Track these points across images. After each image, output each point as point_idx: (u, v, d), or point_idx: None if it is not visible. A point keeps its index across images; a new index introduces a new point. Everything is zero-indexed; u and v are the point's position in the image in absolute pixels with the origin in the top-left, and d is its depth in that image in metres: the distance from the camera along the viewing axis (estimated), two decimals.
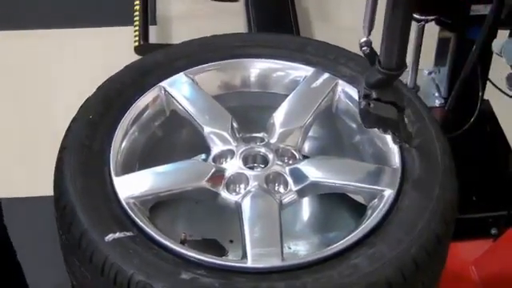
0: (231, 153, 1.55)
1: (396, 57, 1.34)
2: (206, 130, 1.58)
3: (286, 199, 1.49)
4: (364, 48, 1.36)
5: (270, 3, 3.00)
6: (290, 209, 1.54)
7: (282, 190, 1.51)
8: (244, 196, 1.47)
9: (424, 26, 2.09)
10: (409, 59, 1.98)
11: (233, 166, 1.52)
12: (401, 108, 1.41)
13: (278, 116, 1.60)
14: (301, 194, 1.51)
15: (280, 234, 1.41)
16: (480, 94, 2.12)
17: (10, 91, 2.76)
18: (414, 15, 1.98)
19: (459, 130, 2.11)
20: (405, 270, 1.34)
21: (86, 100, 1.59)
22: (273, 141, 1.58)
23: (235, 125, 1.59)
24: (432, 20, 2.05)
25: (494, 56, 2.02)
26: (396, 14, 1.29)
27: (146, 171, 1.51)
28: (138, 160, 1.59)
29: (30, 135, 2.60)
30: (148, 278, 1.30)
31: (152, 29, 2.94)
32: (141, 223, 1.39)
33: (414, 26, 2.05)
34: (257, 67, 1.69)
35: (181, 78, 1.64)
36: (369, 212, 1.46)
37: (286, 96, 1.64)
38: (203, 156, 1.57)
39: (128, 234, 1.37)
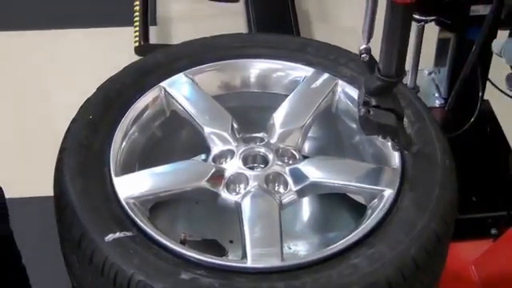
0: (231, 153, 1.55)
1: (395, 64, 1.34)
2: (206, 130, 1.58)
3: (286, 199, 1.49)
4: (363, 55, 1.37)
5: (270, 4, 3.00)
6: (289, 209, 1.54)
7: (281, 190, 1.51)
8: (244, 196, 1.47)
9: (424, 26, 2.09)
10: (409, 60, 1.99)
11: (233, 166, 1.52)
12: (400, 115, 1.41)
13: (278, 116, 1.60)
14: (301, 194, 1.51)
15: (280, 234, 1.41)
16: (480, 94, 2.13)
17: (10, 91, 2.76)
18: (414, 15, 1.98)
19: (459, 130, 2.11)
20: (405, 270, 1.34)
21: (86, 100, 1.59)
22: (273, 141, 1.58)
23: (235, 125, 1.59)
24: (432, 20, 2.05)
25: (494, 56, 2.02)
26: (395, 22, 1.30)
27: (146, 171, 1.51)
28: (138, 160, 1.59)
29: (30, 135, 2.60)
30: (148, 278, 1.30)
31: (152, 29, 2.94)
32: (141, 223, 1.39)
33: (413, 26, 2.05)
34: (257, 67, 1.69)
35: (181, 78, 1.64)
36: (369, 212, 1.46)
37: (286, 96, 1.64)
38: (203, 156, 1.57)
39: (128, 234, 1.37)
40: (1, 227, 1.66)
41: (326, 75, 1.65)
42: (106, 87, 1.61)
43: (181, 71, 1.65)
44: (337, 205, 1.70)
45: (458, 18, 2.02)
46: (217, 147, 1.56)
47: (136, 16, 2.92)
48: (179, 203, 1.69)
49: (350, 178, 1.51)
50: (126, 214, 1.40)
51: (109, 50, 2.88)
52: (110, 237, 1.35)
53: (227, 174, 1.51)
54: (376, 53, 1.37)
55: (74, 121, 1.55)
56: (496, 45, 1.94)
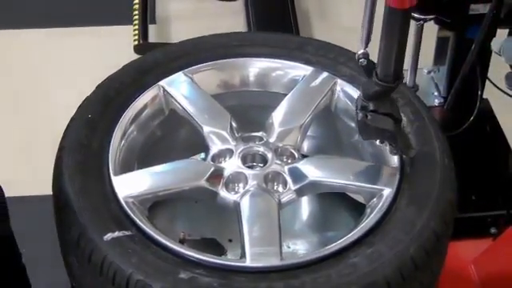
0: (230, 152, 1.55)
1: (393, 69, 1.35)
2: (205, 129, 1.58)
3: (285, 198, 1.49)
4: (361, 60, 1.38)
5: (269, 2, 3.00)
6: (288, 208, 1.53)
7: (280, 189, 1.51)
8: (243, 195, 1.47)
9: (423, 25, 2.09)
10: (408, 58, 1.99)
11: (232, 166, 1.52)
12: (398, 119, 1.42)
13: (277, 115, 1.60)
14: (300, 193, 1.51)
15: (279, 233, 1.41)
16: (479, 92, 2.13)
17: (9, 90, 2.76)
18: (413, 14, 1.98)
19: (458, 128, 2.11)
20: (404, 269, 1.33)
21: (85, 99, 1.59)
22: (272, 140, 1.58)
23: (234, 124, 1.59)
24: (431, 19, 2.05)
25: (493, 55, 2.02)
26: (393, 27, 1.30)
27: (145, 170, 1.51)
28: (137, 159, 1.59)
29: (28, 134, 2.59)
30: (147, 277, 1.30)
31: (151, 28, 2.93)
32: (139, 222, 1.39)
33: (413, 25, 2.05)
34: (256, 66, 1.69)
35: (180, 77, 1.64)
36: (368, 211, 1.46)
37: (285, 95, 1.64)
38: (202, 155, 1.57)
39: (127, 233, 1.37)
40: (1, 226, 1.66)
41: (325, 74, 1.65)
42: (105, 86, 1.61)
43: (180, 70, 1.64)
44: (336, 204, 1.70)
45: (458, 17, 2.02)
46: (216, 146, 1.56)
47: (135, 14, 2.92)
48: (178, 202, 1.69)
49: (349, 177, 1.50)
50: (124, 213, 1.40)
51: (108, 48, 2.88)
52: (108, 236, 1.35)
53: (226, 173, 1.51)
54: (374, 56, 1.37)
55: (72, 119, 1.55)
56: (495, 43, 1.94)
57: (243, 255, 1.37)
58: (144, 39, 2.84)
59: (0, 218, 1.63)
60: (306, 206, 1.75)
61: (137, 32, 2.86)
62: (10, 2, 3.09)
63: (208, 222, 1.68)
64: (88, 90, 1.60)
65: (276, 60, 1.69)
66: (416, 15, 2.02)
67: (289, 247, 1.66)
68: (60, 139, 1.52)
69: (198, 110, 1.60)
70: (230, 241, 1.65)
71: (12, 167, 2.43)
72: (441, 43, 2.23)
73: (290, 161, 1.55)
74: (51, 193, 1.48)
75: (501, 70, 1.99)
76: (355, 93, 1.58)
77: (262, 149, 1.56)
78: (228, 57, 1.68)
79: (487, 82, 2.15)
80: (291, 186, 1.50)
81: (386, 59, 1.34)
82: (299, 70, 1.67)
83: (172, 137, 1.69)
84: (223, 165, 1.53)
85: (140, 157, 1.59)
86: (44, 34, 2.98)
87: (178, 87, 1.63)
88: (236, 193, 1.49)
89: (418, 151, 1.50)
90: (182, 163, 1.55)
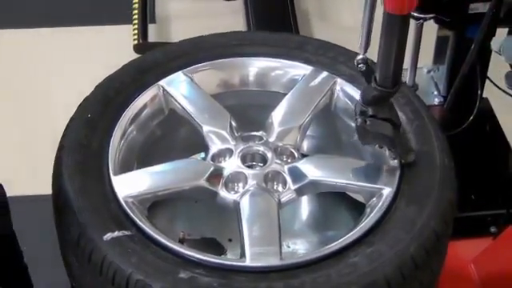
0: (230, 151, 1.55)
1: (392, 74, 1.35)
2: (205, 128, 1.58)
3: (285, 198, 1.49)
4: (360, 65, 1.38)
5: (269, 2, 3.00)
6: (288, 207, 1.53)
7: (280, 188, 1.51)
8: (242, 195, 1.47)
9: (423, 24, 2.09)
10: (408, 57, 1.99)
11: (231, 165, 1.52)
12: (397, 124, 1.42)
13: (277, 115, 1.60)
14: (299, 192, 1.51)
15: (278, 232, 1.41)
16: (479, 92, 2.12)
17: (9, 89, 2.76)
18: (413, 13, 1.98)
19: (458, 128, 2.11)
20: (404, 268, 1.33)
21: (85, 99, 1.58)
22: (271, 139, 1.58)
23: (234, 123, 1.59)
24: (431, 18, 2.05)
25: (493, 54, 2.02)
26: (392, 32, 1.30)
27: (145, 170, 1.51)
28: (137, 159, 1.59)
29: (28, 133, 2.59)
30: (146, 277, 1.30)
31: (151, 27, 2.93)
32: (139, 222, 1.38)
33: (412, 24, 2.05)
34: (255, 66, 1.69)
35: (179, 76, 1.64)
36: (367, 210, 1.46)
37: (285, 95, 1.64)
38: (202, 155, 1.57)
39: (126, 232, 1.36)
40: (2, 225, 1.66)
41: (324, 73, 1.65)
42: (105, 86, 1.61)
43: (179, 70, 1.64)
44: (336, 203, 1.70)
45: (457, 16, 2.02)
46: (215, 146, 1.56)
47: (135, 14, 2.92)
48: (178, 202, 1.69)
49: (348, 177, 1.50)
50: (124, 212, 1.40)
51: (107, 48, 2.88)
52: (108, 236, 1.35)
53: (226, 172, 1.51)
54: (374, 59, 1.37)
55: (72, 119, 1.55)
56: (495, 43, 1.94)
57: (243, 255, 1.37)
58: (144, 39, 2.84)
59: (1, 216, 1.63)
60: (305, 206, 1.75)
61: (136, 31, 2.86)
62: (10, 1, 3.08)
63: (208, 221, 1.68)
64: (88, 89, 1.60)
65: (275, 59, 1.68)
66: (416, 14, 2.02)
67: (288, 247, 1.66)
68: (59, 138, 1.52)
69: (197, 109, 1.60)
70: (230, 240, 1.65)
71: (12, 167, 2.43)
72: (440, 42, 2.23)
73: (289, 160, 1.55)
74: (51, 192, 1.48)
75: (501, 69, 1.99)
76: (355, 92, 1.58)
77: (261, 148, 1.56)
78: (228, 56, 1.68)
79: (487, 81, 2.15)
80: (291, 185, 1.50)
81: (384, 64, 1.34)
82: (299, 70, 1.67)
83: (172, 136, 1.69)
84: (223, 164, 1.53)
85: (140, 156, 1.59)
86: (44, 33, 2.98)
87: (178, 87, 1.62)
88: (236, 192, 1.49)
89: (418, 150, 1.50)
90: (181, 163, 1.55)
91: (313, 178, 1.50)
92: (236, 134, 1.59)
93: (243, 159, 1.54)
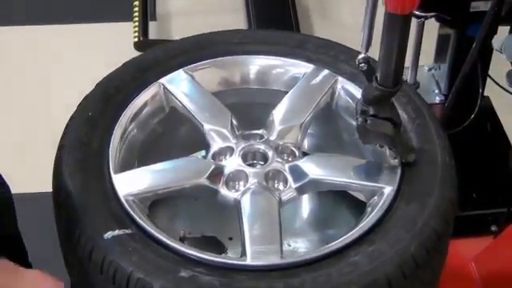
0: (230, 150, 1.55)
1: (393, 74, 1.35)
2: (206, 126, 1.58)
3: (286, 196, 1.49)
4: (361, 65, 1.37)
5: (270, 0, 3.00)
6: (289, 206, 1.53)
7: (281, 187, 1.50)
8: (243, 193, 1.47)
9: (424, 22, 2.09)
10: (409, 56, 1.99)
11: (232, 163, 1.52)
12: (397, 124, 1.42)
13: (278, 113, 1.60)
14: (300, 191, 1.51)
15: (279, 231, 1.41)
16: (480, 90, 2.12)
17: (8, 88, 2.75)
18: (415, 12, 1.97)
19: (459, 126, 2.11)
20: (405, 267, 1.33)
21: (85, 97, 1.58)
22: (272, 138, 1.58)
23: (235, 122, 1.59)
24: (432, 16, 2.05)
25: (495, 52, 2.02)
26: (393, 32, 1.30)
27: (145, 168, 1.51)
28: (137, 157, 1.58)
29: (29, 133, 2.59)
30: (147, 275, 1.29)
31: (152, 24, 2.94)
32: (140, 220, 1.38)
33: (414, 22, 2.04)
34: (256, 64, 1.69)
35: (180, 74, 1.63)
36: (368, 209, 1.46)
37: (286, 93, 1.63)
38: (202, 153, 1.57)
39: (127, 231, 1.36)
40: (9, 225, 1.66)
41: (325, 72, 1.64)
42: (105, 84, 1.60)
43: (180, 67, 1.64)
44: (337, 202, 1.70)
45: (459, 15, 2.02)
46: (216, 144, 1.56)
47: (135, 11, 2.92)
48: (178, 200, 1.69)
49: (349, 175, 1.50)
50: (125, 211, 1.40)
51: (108, 45, 2.88)
52: (109, 234, 1.35)
53: (227, 171, 1.51)
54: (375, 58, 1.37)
55: (72, 118, 1.54)
56: (496, 41, 1.93)
57: (244, 253, 1.37)
58: (144, 36, 2.84)
59: (7, 216, 1.63)
60: (306, 204, 1.75)
61: (137, 29, 2.86)
62: None
63: (208, 220, 1.67)
64: (88, 87, 1.60)
65: (276, 57, 1.68)
66: (417, 13, 2.01)
67: (289, 245, 1.66)
68: (60, 138, 1.52)
69: (198, 107, 1.60)
70: (231, 239, 1.65)
71: (12, 166, 2.43)
72: (442, 41, 2.23)
73: (290, 159, 1.55)
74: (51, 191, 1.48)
75: (502, 67, 1.99)
76: (356, 91, 1.58)
77: (262, 147, 1.56)
78: (228, 54, 1.68)
79: (488, 79, 2.15)
80: (292, 184, 1.50)
81: (385, 64, 1.34)
82: (300, 68, 1.66)
83: (172, 135, 1.69)
84: (224, 163, 1.53)
85: (140, 155, 1.59)
86: (43, 30, 2.98)
87: (179, 85, 1.62)
88: (236, 191, 1.48)
89: (419, 149, 1.50)
90: (182, 161, 1.55)
91: (314, 177, 1.50)
92: (237, 132, 1.58)
93: (244, 157, 1.54)
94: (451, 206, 1.44)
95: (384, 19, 1.30)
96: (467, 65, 1.96)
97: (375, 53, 1.37)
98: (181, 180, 1.50)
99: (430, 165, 1.48)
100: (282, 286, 1.29)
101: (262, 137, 1.59)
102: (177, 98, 1.61)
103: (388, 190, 1.44)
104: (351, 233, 1.38)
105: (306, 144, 1.70)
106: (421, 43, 2.15)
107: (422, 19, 2.06)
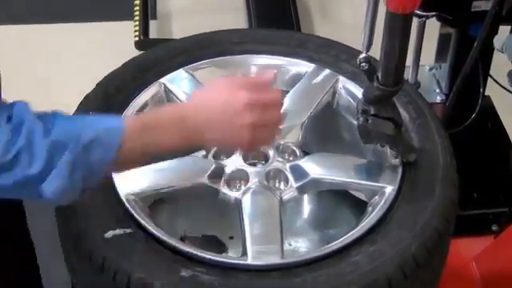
0: None
1: (394, 73, 1.35)
2: None
3: (287, 196, 1.48)
4: (363, 64, 1.37)
5: None
6: (290, 205, 1.53)
7: (282, 186, 1.50)
8: (244, 192, 1.47)
9: (425, 21, 2.08)
10: (410, 55, 1.98)
11: (233, 163, 1.52)
12: (398, 123, 1.42)
13: None
14: (301, 190, 1.51)
15: (280, 230, 1.41)
16: (481, 90, 2.12)
17: (8, 87, 2.75)
18: (416, 11, 1.97)
19: (460, 126, 2.11)
20: (405, 267, 1.33)
21: (85, 97, 1.58)
22: None
23: None
24: (433, 16, 2.04)
25: (496, 52, 2.02)
26: (394, 31, 1.30)
27: (146, 168, 1.50)
28: None
29: None
30: (147, 274, 1.29)
31: (152, 24, 2.93)
32: (141, 220, 1.38)
33: (415, 21, 2.04)
34: (257, 63, 1.68)
35: (181, 74, 1.63)
36: (369, 209, 1.46)
37: (287, 92, 1.63)
38: (203, 152, 1.56)
39: (128, 230, 1.36)
40: (18, 225, 1.66)
41: (326, 71, 1.64)
42: (106, 83, 1.60)
43: (181, 67, 1.64)
44: (337, 201, 1.70)
45: (460, 14, 2.02)
46: None
47: (136, 10, 2.92)
48: (179, 200, 1.68)
49: (350, 175, 1.50)
50: (126, 210, 1.40)
51: (108, 44, 2.87)
52: (109, 233, 1.35)
53: (228, 170, 1.50)
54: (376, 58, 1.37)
55: None
56: (497, 41, 1.93)
57: (244, 253, 1.37)
58: (145, 35, 2.84)
59: (17, 216, 1.63)
60: (307, 204, 1.75)
61: (137, 28, 2.85)
62: None
63: (209, 219, 1.67)
64: (88, 87, 1.60)
65: (277, 57, 1.68)
66: (418, 12, 2.01)
67: (290, 245, 1.66)
68: None
69: None
70: (231, 238, 1.64)
71: None
72: (443, 40, 2.23)
73: (291, 158, 1.55)
74: None
75: (503, 67, 1.99)
76: (357, 90, 1.58)
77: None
78: (229, 54, 1.68)
79: (489, 79, 2.15)
80: (293, 183, 1.50)
81: (386, 63, 1.34)
82: (301, 67, 1.66)
83: None
84: (225, 162, 1.53)
85: None
86: (44, 29, 2.98)
87: (179, 84, 1.62)
88: (237, 190, 1.48)
89: (420, 148, 1.50)
90: (183, 160, 1.54)
91: (315, 176, 1.50)
92: None
93: (245, 157, 1.53)
94: (452, 206, 1.44)
95: (385, 19, 1.30)
96: (468, 64, 1.96)
97: (376, 52, 1.37)
98: (182, 179, 1.50)
99: (431, 164, 1.48)
100: (283, 285, 1.29)
101: None
102: (178, 98, 1.61)
103: (389, 190, 1.44)
104: (352, 232, 1.38)
105: (306, 143, 1.69)
106: (422, 43, 2.15)
107: (423, 19, 2.06)
